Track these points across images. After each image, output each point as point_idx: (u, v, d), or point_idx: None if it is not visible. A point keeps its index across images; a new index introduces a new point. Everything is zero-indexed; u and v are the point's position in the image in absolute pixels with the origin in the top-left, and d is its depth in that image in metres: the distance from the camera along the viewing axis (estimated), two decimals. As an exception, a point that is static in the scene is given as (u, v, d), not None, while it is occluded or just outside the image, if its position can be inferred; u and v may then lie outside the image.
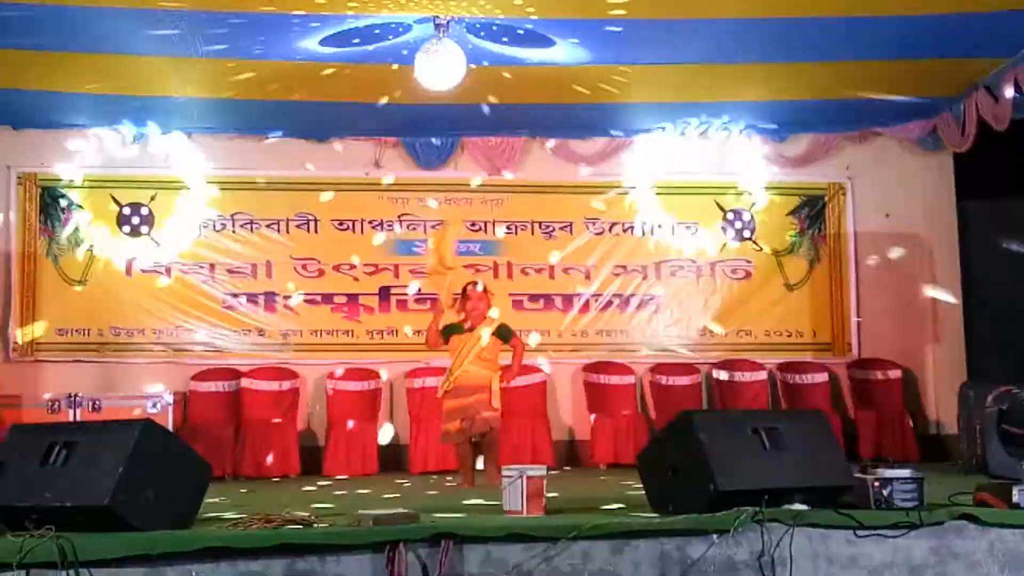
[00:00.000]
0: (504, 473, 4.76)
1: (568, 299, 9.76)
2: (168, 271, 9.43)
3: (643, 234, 9.88)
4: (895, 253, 9.88)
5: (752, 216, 9.96)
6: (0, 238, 9.26)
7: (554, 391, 9.59)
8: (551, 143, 9.73)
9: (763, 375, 9.64)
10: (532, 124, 9.46)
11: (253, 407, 9.09)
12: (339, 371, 9.35)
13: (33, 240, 9.29)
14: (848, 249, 9.96)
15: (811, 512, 4.14)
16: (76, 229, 9.35)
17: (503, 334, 7.46)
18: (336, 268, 9.59)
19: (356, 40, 7.48)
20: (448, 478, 7.97)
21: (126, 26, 7.14)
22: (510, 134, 9.58)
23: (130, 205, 9.45)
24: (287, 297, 9.50)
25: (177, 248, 9.45)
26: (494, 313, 7.56)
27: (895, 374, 9.67)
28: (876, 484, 4.33)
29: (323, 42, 7.52)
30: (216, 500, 4.75)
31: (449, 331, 7.50)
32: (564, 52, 7.79)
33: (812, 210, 10.01)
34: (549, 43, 7.62)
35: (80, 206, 9.38)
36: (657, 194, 9.87)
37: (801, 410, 8.51)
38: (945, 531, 4.17)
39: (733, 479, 4.19)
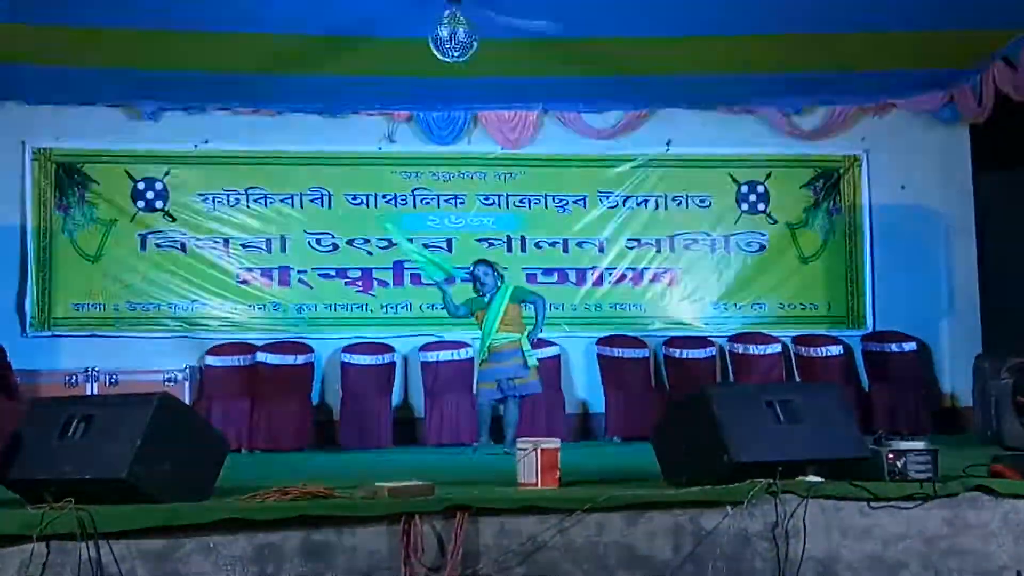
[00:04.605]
0: (518, 446, 4.78)
1: (582, 273, 9.75)
2: (183, 246, 9.46)
3: (657, 207, 9.85)
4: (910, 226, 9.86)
5: (766, 189, 9.93)
6: (16, 213, 9.30)
7: (568, 365, 9.60)
8: (565, 116, 9.69)
9: (777, 348, 9.64)
10: (546, 98, 9.42)
11: (268, 381, 9.13)
12: (353, 345, 9.39)
13: (48, 216, 9.33)
14: (863, 221, 9.91)
15: (825, 484, 4.15)
16: (91, 204, 9.38)
17: (519, 296, 8.00)
18: (350, 242, 9.60)
19: (369, 12, 7.45)
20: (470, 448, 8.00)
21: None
22: (524, 108, 9.55)
23: (144, 180, 9.47)
24: (301, 271, 9.53)
25: (191, 223, 9.48)
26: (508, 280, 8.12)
27: (910, 346, 9.65)
28: (890, 456, 4.33)
29: (336, 15, 7.49)
30: (232, 473, 4.78)
31: (470, 305, 8.01)
32: (578, 24, 7.74)
33: (827, 183, 9.96)
34: (564, 15, 7.57)
35: (95, 181, 9.41)
36: (671, 167, 9.84)
37: (815, 382, 8.51)
38: (959, 503, 4.17)
39: (747, 451, 4.20)
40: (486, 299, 7.91)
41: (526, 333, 7.89)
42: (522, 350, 7.80)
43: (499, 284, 7.95)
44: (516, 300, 7.94)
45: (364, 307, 9.58)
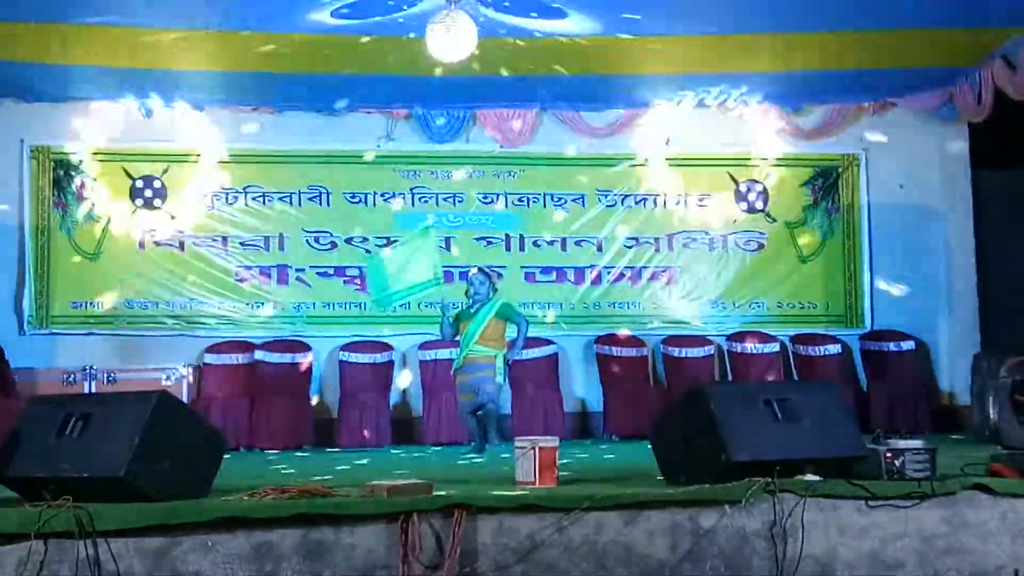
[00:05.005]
0: (516, 444, 4.78)
1: (580, 271, 9.75)
2: (181, 244, 9.46)
3: (655, 206, 9.85)
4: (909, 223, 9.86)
5: (765, 188, 9.92)
6: (14, 211, 9.30)
7: (566, 363, 9.60)
8: (564, 115, 9.69)
9: (776, 347, 9.64)
10: (544, 96, 9.42)
11: (266, 379, 9.13)
12: (351, 343, 9.39)
13: (47, 213, 9.32)
14: (862, 220, 9.91)
15: (823, 483, 4.15)
16: (89, 202, 9.37)
17: (504, 313, 7.88)
18: (348, 241, 9.60)
19: (368, 11, 7.46)
20: (462, 453, 8.00)
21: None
22: (523, 106, 9.54)
23: (143, 178, 9.47)
24: (299, 270, 9.53)
25: (190, 221, 9.47)
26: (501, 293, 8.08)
27: (908, 345, 9.65)
28: (888, 455, 4.33)
29: (335, 14, 7.50)
30: (230, 471, 4.78)
31: (459, 317, 7.97)
32: (576, 23, 7.74)
33: (826, 181, 9.96)
34: (561, 14, 7.58)
35: (93, 179, 9.40)
36: (670, 166, 9.83)
37: (814, 381, 8.51)
38: (957, 501, 4.17)
39: (745, 450, 4.20)
40: (472, 310, 7.86)
41: (503, 352, 7.80)
42: (495, 366, 7.74)
43: (490, 296, 7.88)
44: (501, 317, 7.84)
45: (362, 305, 9.57)
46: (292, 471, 6.18)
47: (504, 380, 7.88)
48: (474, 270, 8.12)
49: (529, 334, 8.07)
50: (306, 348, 9.34)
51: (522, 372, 9.01)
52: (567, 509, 3.95)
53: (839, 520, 4.10)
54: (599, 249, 9.77)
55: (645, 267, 9.79)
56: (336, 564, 3.82)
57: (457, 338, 7.97)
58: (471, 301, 7.92)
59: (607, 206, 9.79)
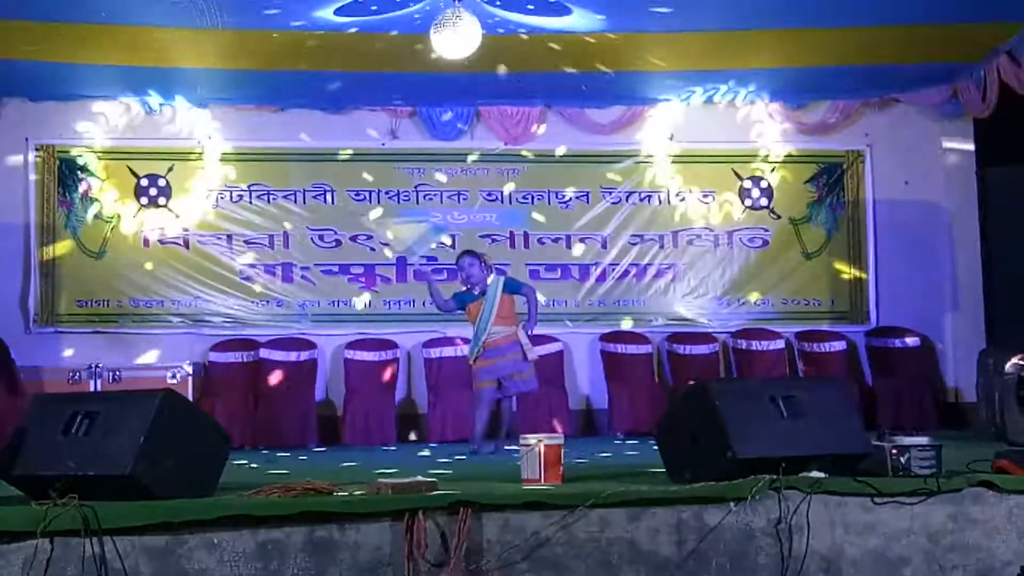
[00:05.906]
0: (522, 441, 4.78)
1: (585, 269, 9.75)
2: (186, 242, 9.47)
3: (660, 203, 9.85)
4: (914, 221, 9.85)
5: (769, 184, 9.92)
6: (19, 210, 9.31)
7: (571, 360, 9.61)
8: (568, 112, 9.69)
9: (781, 344, 9.63)
10: (549, 93, 9.41)
11: (271, 377, 9.14)
12: (356, 341, 9.39)
13: (52, 212, 9.34)
14: (867, 217, 9.90)
15: (829, 480, 4.14)
16: (94, 200, 9.38)
17: (511, 287, 7.64)
18: (353, 238, 9.60)
19: (372, 9, 7.46)
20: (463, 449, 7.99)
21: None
22: (527, 103, 9.54)
23: (147, 176, 9.48)
24: (304, 267, 9.54)
25: (194, 219, 9.48)
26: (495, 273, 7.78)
27: (913, 342, 9.64)
28: (894, 451, 4.33)
29: (339, 11, 7.50)
30: (236, 469, 4.79)
31: (462, 299, 7.66)
32: (581, 20, 7.73)
33: (830, 178, 9.95)
34: (566, 11, 7.57)
35: (98, 177, 9.41)
36: (674, 163, 9.83)
37: (819, 378, 8.50)
38: (963, 498, 4.16)
39: (750, 447, 4.19)
40: (476, 292, 7.54)
41: (521, 325, 7.50)
42: (520, 343, 7.42)
43: (487, 275, 7.57)
44: (509, 292, 7.56)
45: (367, 303, 9.58)
46: (297, 469, 6.19)
47: (536, 355, 7.54)
48: (461, 253, 7.80)
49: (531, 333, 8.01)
50: (311, 346, 9.35)
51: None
52: (572, 506, 3.94)
53: (844, 517, 4.10)
54: (603, 246, 9.77)
55: (650, 264, 9.79)
56: (341, 562, 3.82)
57: (458, 312, 7.72)
58: (469, 284, 7.57)
59: (611, 203, 9.79)
